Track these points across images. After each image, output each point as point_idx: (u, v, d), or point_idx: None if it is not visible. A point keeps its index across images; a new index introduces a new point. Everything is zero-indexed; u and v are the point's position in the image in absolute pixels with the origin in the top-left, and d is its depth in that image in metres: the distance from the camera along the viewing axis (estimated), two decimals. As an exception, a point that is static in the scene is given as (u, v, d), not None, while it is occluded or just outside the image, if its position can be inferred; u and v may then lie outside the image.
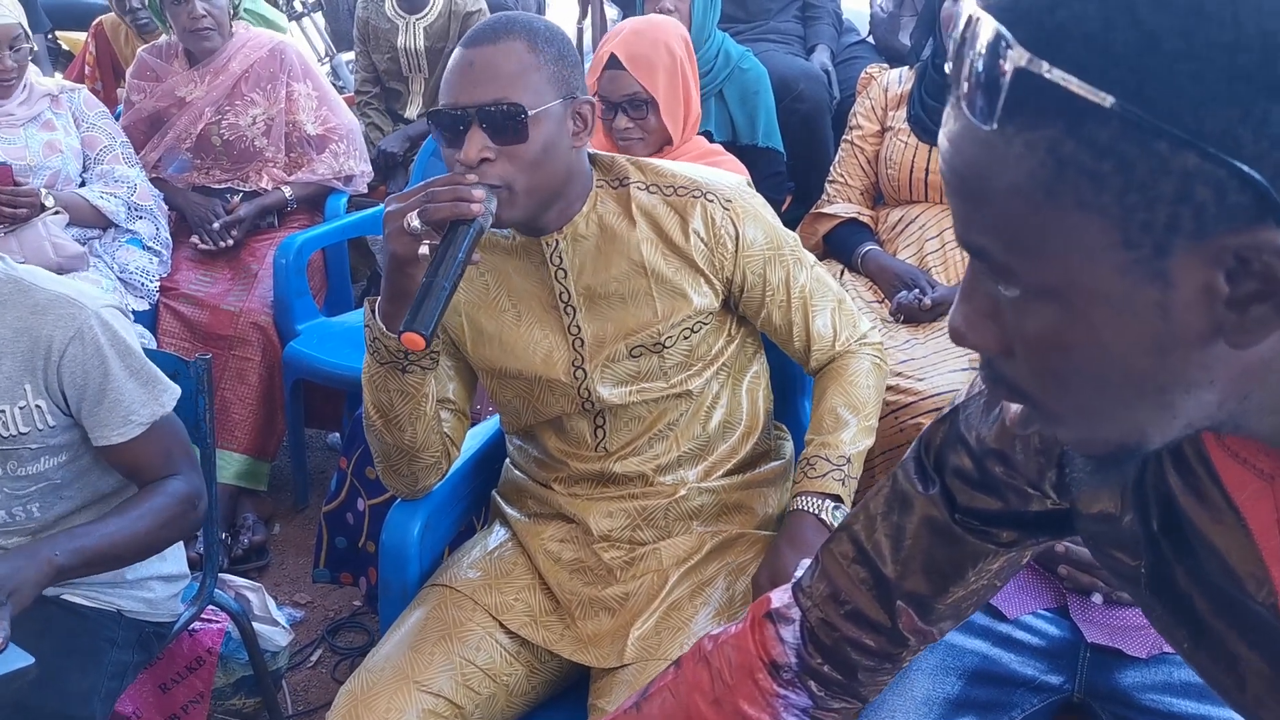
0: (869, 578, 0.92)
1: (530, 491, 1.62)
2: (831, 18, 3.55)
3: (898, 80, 2.67)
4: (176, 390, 1.63)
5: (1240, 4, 0.48)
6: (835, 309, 1.59)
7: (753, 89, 2.86)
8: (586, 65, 3.02)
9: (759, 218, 1.52)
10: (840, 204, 2.66)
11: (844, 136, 2.73)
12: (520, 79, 1.35)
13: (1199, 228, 0.50)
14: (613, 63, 2.23)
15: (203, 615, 1.90)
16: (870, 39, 3.76)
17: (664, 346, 1.49)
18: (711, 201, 1.49)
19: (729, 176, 1.56)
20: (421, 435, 1.46)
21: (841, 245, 2.61)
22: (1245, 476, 0.64)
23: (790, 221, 2.06)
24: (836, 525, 1.42)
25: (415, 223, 1.27)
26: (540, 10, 4.84)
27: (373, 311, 1.40)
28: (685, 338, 1.50)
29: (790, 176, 3.04)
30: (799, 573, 1.00)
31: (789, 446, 1.71)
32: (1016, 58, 0.51)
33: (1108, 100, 0.49)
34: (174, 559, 1.77)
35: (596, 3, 3.56)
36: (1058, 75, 0.50)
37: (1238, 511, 0.64)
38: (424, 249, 1.29)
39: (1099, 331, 0.54)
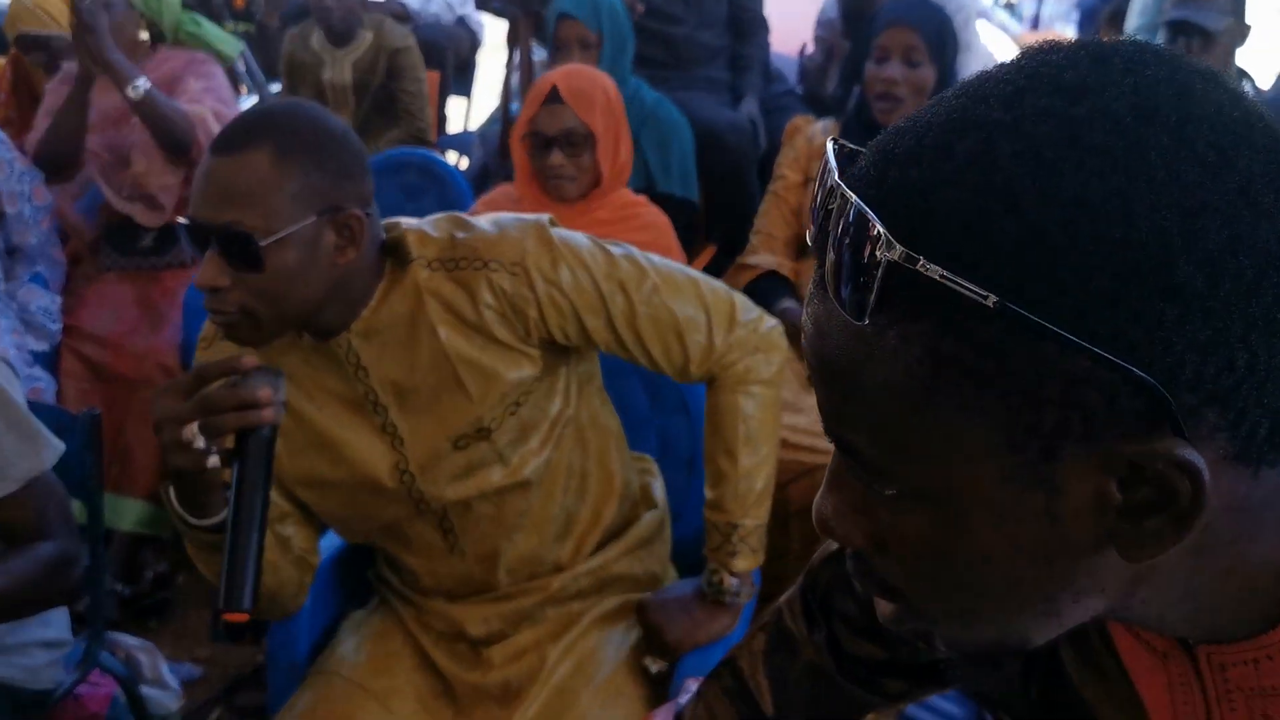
0: (749, 716, 0.91)
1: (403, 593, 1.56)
2: (761, 67, 3.57)
3: (822, 131, 2.67)
4: (60, 447, 1.55)
5: (1132, 199, 0.44)
6: (695, 307, 1.38)
7: (668, 135, 2.85)
8: (517, 106, 3.00)
9: (559, 259, 1.33)
10: (763, 255, 2.65)
11: (769, 187, 2.72)
12: (257, 199, 1.17)
13: (1089, 433, 0.46)
14: (553, 96, 2.21)
15: (89, 678, 1.81)
16: (799, 89, 3.79)
17: (490, 430, 1.37)
18: (496, 270, 1.32)
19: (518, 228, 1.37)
20: (274, 582, 1.32)
21: (759, 299, 2.59)
22: (1141, 652, 0.61)
23: (712, 273, 2.05)
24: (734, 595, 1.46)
25: (200, 443, 1.12)
26: (473, 49, 4.80)
27: (171, 500, 1.21)
28: (511, 413, 1.37)
29: (714, 228, 3.03)
30: (684, 698, 0.98)
31: (659, 485, 1.63)
32: (889, 250, 0.45)
33: (990, 299, 0.44)
34: (56, 624, 1.68)
35: (524, 45, 3.54)
36: (935, 271, 0.45)
37: (1132, 685, 0.62)
38: (213, 460, 1.14)
39: (980, 539, 0.50)
